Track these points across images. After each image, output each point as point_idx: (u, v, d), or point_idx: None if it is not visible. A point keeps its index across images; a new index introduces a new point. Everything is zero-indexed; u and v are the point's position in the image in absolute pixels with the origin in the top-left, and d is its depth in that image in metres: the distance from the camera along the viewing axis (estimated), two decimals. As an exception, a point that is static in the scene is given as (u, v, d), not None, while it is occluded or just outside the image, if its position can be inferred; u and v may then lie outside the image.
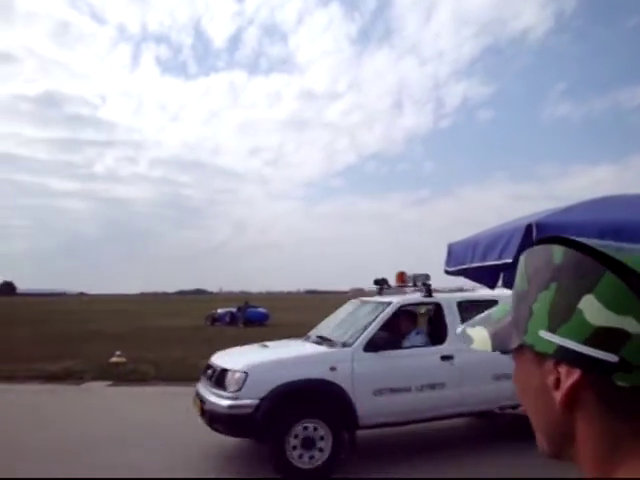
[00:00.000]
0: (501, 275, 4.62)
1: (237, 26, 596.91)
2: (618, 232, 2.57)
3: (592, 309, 0.55)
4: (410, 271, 7.22)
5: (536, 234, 2.78)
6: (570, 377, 0.57)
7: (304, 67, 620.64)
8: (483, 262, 3.39)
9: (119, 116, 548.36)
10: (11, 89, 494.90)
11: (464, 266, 3.75)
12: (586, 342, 0.55)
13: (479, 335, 0.70)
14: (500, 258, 3.11)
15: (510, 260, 2.95)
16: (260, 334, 22.42)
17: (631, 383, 0.53)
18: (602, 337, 0.54)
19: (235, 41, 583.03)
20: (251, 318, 28.86)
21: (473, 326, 0.72)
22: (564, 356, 0.57)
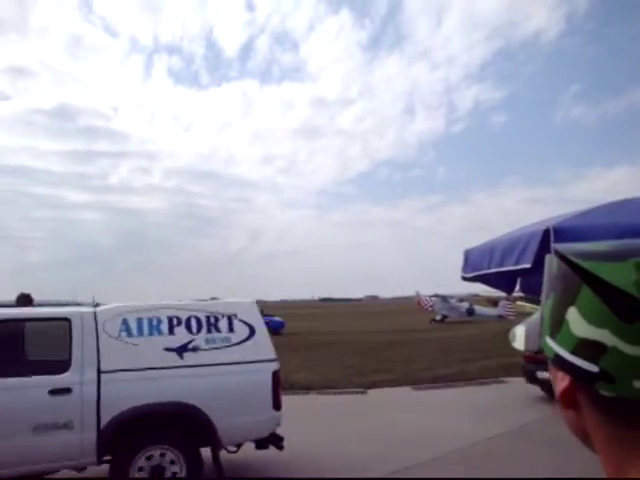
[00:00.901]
0: (518, 280, 4.60)
1: (249, 35, 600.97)
2: (637, 235, 2.54)
3: (575, 321, 0.58)
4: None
5: (554, 239, 2.76)
6: (563, 381, 0.62)
7: (316, 74, 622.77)
8: (500, 267, 3.37)
9: (132, 127, 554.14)
10: (26, 103, 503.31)
11: (481, 272, 3.73)
12: (573, 352, 0.59)
13: (520, 334, 0.75)
14: (518, 263, 3.09)
15: (528, 265, 2.93)
16: (276, 343, 22.47)
17: (615, 393, 0.56)
18: (584, 348, 0.58)
19: (247, 50, 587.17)
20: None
21: (522, 324, 0.76)
22: (559, 362, 0.61)
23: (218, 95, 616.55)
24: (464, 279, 4.05)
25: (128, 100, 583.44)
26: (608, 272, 0.55)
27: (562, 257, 0.60)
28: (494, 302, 40.97)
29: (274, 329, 29.20)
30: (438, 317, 35.64)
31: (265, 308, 36.44)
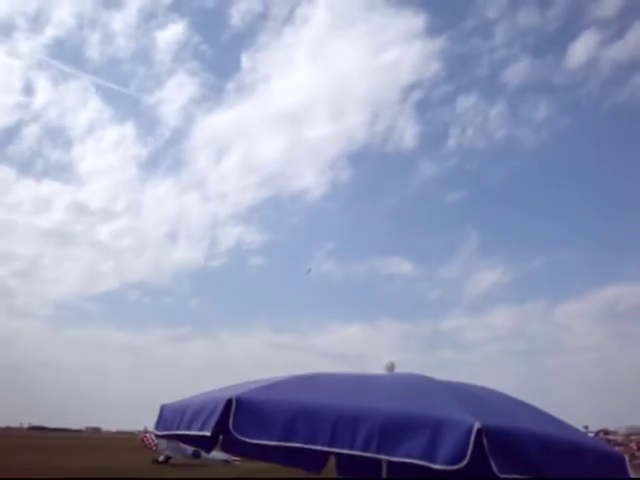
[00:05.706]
0: (220, 438, 4.52)
1: (18, 119, 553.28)
2: (307, 414, 2.72)
3: None
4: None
5: (235, 409, 2.79)
6: None
7: (84, 179, 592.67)
8: (188, 430, 3.25)
9: None
10: None
11: (171, 432, 3.56)
12: None
13: None
14: (202, 429, 3.02)
15: (208, 433, 2.88)
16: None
17: None
18: None
19: (11, 133, 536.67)
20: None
21: None
22: None
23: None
24: (156, 436, 3.80)
25: None
26: None
27: None
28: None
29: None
30: (161, 458, 33.14)
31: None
